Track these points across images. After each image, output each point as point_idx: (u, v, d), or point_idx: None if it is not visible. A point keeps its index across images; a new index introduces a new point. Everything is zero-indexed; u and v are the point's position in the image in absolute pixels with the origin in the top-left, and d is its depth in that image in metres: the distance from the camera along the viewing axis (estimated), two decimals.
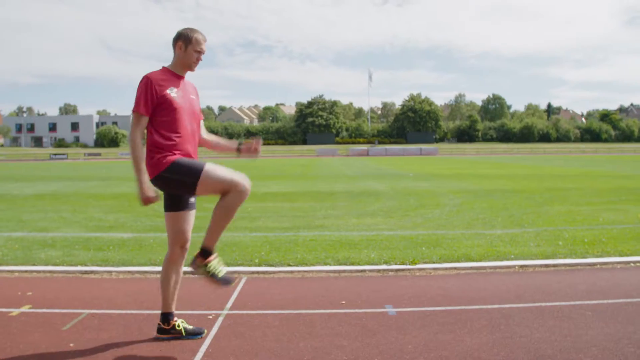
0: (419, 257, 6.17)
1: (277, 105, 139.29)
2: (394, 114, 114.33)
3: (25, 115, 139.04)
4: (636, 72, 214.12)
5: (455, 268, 5.78)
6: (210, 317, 4.27)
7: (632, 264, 5.85)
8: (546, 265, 5.82)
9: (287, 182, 19.66)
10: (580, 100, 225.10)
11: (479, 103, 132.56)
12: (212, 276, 3.58)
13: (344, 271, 5.77)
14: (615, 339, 3.60)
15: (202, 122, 3.83)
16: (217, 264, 3.64)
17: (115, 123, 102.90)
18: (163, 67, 3.61)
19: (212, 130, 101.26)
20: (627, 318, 4.02)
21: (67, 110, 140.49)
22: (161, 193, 3.60)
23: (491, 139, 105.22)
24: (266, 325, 4.06)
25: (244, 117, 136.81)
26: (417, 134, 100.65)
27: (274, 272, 5.79)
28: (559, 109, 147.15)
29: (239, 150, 3.85)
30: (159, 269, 5.88)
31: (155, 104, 3.43)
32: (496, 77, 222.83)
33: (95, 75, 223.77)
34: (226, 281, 3.62)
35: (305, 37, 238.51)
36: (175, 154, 3.44)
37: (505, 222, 8.82)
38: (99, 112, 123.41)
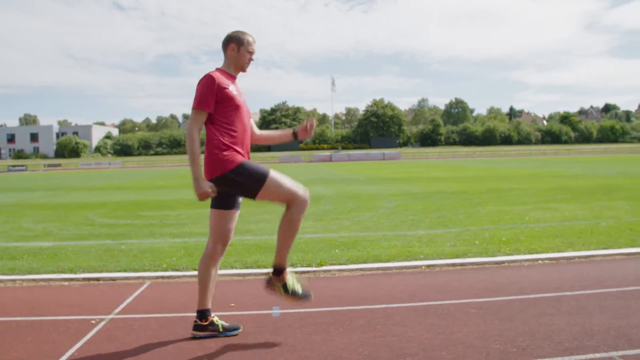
0: (329, 259, 6.13)
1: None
2: (357, 119, 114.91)
3: None
4: (595, 75, 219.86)
5: (360, 269, 5.74)
6: (93, 322, 4.19)
7: (539, 261, 5.90)
8: (453, 265, 5.82)
9: None
10: (543, 103, 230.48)
11: (443, 108, 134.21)
12: (293, 294, 3.66)
13: (248, 274, 5.71)
14: (487, 336, 3.58)
15: (252, 120, 3.90)
16: (293, 280, 3.70)
17: (75, 133, 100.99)
18: (217, 68, 3.68)
19: (176, 139, 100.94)
20: (509, 315, 4.01)
21: (27, 120, 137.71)
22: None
23: (454, 143, 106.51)
24: (145, 328, 4.01)
25: None
26: (381, 138, 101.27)
27: (178, 277, 5.71)
28: (520, 112, 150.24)
29: (295, 134, 4.02)
30: (65, 276, 5.82)
31: (217, 101, 3.49)
32: (460, 81, 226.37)
33: (59, 85, 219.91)
34: (306, 296, 3.70)
35: (270, 44, 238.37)
36: (238, 153, 3.52)
37: (432, 223, 8.85)
38: (59, 123, 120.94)
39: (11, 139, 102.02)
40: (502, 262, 5.89)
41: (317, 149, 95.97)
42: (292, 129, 4.04)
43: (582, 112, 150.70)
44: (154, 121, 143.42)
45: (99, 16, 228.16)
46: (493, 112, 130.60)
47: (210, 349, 3.54)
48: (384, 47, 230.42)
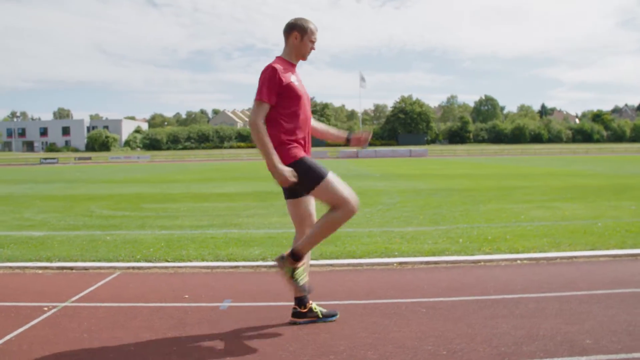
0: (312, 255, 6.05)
1: None
2: (385, 115, 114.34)
3: (19, 119, 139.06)
4: (631, 72, 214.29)
5: (330, 265, 5.65)
6: (46, 308, 4.27)
7: (518, 261, 5.72)
8: (426, 262, 5.67)
9: (246, 183, 19.55)
10: (577, 101, 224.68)
11: (473, 105, 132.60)
12: (294, 280, 3.62)
13: (217, 267, 5.68)
14: (424, 336, 3.46)
15: None
16: (303, 272, 3.66)
17: (106, 127, 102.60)
18: (278, 57, 3.64)
19: (204, 134, 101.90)
20: (458, 316, 3.87)
21: (61, 114, 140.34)
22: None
23: (483, 140, 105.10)
24: (91, 316, 4.07)
25: (237, 120, 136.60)
26: (409, 135, 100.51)
27: (148, 268, 5.73)
28: (552, 110, 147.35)
29: (348, 140, 3.98)
30: (40, 264, 5.88)
31: (279, 92, 3.47)
32: (492, 78, 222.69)
33: (91, 80, 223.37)
34: (304, 289, 3.68)
35: None
36: (300, 146, 3.51)
37: (425, 220, 8.69)
38: (91, 117, 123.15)
39: (44, 132, 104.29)
40: (479, 261, 5.72)
41: (345, 145, 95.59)
42: (347, 132, 3.98)
43: (616, 110, 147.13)
44: (184, 116, 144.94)
45: (133, 12, 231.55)
46: (523, 110, 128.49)
47: (143, 338, 3.53)
48: (415, 43, 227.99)
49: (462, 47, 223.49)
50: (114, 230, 8.22)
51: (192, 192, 15.28)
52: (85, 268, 5.79)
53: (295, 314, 3.79)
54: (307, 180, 3.43)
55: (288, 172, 3.40)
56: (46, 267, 5.83)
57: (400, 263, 5.65)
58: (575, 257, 5.86)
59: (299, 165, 3.43)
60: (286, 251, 3.62)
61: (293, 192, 3.65)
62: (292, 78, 3.53)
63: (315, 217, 3.76)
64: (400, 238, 6.99)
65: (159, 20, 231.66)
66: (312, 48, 3.68)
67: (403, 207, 10.48)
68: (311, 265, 5.47)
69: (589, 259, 5.78)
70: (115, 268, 5.74)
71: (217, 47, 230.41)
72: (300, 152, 3.48)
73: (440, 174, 23.35)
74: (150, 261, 5.96)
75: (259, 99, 3.44)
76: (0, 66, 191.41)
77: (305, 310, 3.77)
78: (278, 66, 3.48)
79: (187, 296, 4.57)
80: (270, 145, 3.42)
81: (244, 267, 5.67)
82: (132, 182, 21.69)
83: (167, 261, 5.94)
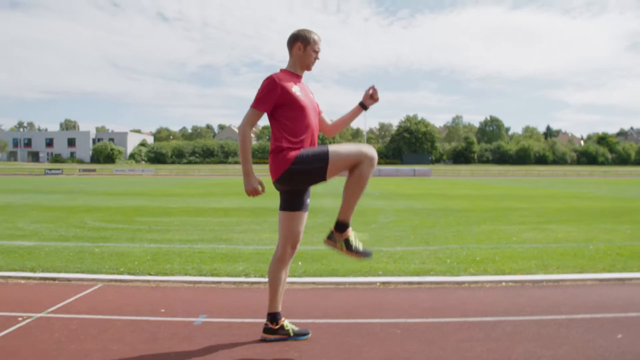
0: (291, 272, 5.97)
1: None
2: (390, 134, 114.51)
3: (26, 130, 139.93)
4: (637, 95, 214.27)
5: (313, 283, 5.60)
6: (20, 319, 4.24)
7: (503, 283, 5.64)
8: (410, 283, 5.62)
9: (245, 199, 19.48)
10: (582, 123, 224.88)
11: (478, 125, 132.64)
12: (353, 249, 3.61)
13: (199, 282, 5.64)
14: (394, 358, 3.41)
15: (323, 114, 3.90)
16: (356, 238, 3.65)
17: (111, 139, 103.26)
18: (282, 69, 3.66)
19: (209, 148, 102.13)
20: (432, 338, 3.82)
21: (68, 126, 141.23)
22: (270, 188, 3.72)
23: (487, 161, 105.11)
24: (63, 328, 4.03)
25: None
26: (413, 155, 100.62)
27: (130, 281, 5.68)
28: (558, 131, 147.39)
29: (362, 105, 3.91)
30: (23, 274, 5.86)
31: (278, 103, 3.48)
32: (498, 99, 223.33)
33: (100, 92, 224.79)
34: (367, 254, 3.66)
35: None
36: (299, 150, 3.48)
37: (415, 240, 8.63)
38: (97, 129, 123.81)
39: (50, 143, 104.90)
40: (463, 282, 5.66)
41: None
42: (358, 102, 3.93)
43: (621, 133, 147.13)
44: (190, 130, 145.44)
45: (143, 26, 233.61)
46: (529, 131, 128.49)
47: (111, 351, 3.49)
48: (422, 63, 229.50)
49: (469, 67, 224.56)
50: (103, 242, 8.20)
51: (188, 207, 15.28)
52: (68, 279, 5.75)
53: (266, 330, 3.75)
54: (317, 163, 3.40)
55: (257, 183, 3.48)
56: (29, 278, 5.80)
57: (384, 283, 5.60)
58: (562, 280, 5.78)
59: (302, 157, 3.42)
60: (331, 228, 3.64)
61: (291, 203, 3.65)
62: (295, 88, 3.52)
63: (301, 237, 3.79)
64: (387, 257, 6.94)
65: (169, 34, 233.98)
66: (316, 58, 3.68)
67: (397, 227, 10.43)
68: (293, 283, 5.47)
69: (576, 282, 5.70)
70: (97, 280, 5.70)
71: (225, 62, 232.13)
72: (296, 152, 3.45)
73: (440, 194, 23.28)
74: (133, 274, 5.93)
75: (254, 105, 3.47)
76: (9, 76, 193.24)
77: (276, 327, 3.73)
78: (278, 76, 3.50)
79: (163, 310, 4.53)
80: (249, 154, 3.48)
81: (226, 282, 5.63)
82: (131, 195, 21.70)
83: (150, 274, 5.91)
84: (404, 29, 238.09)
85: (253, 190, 3.48)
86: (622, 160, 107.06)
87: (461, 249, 7.67)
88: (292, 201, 3.64)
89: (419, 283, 5.60)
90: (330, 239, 3.64)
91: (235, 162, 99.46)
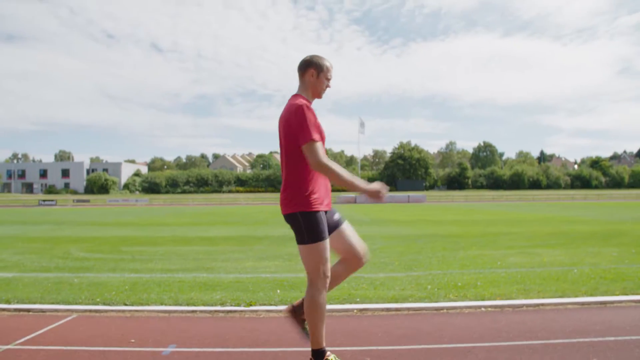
0: (263, 300, 5.94)
1: (270, 153, 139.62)
2: (384, 161, 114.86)
3: (20, 161, 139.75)
4: (630, 120, 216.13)
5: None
6: None
7: (482, 309, 5.58)
8: (387, 309, 5.53)
9: (234, 227, 19.43)
10: (575, 148, 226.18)
11: (472, 151, 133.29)
12: None
13: (174, 311, 5.56)
14: None
15: None
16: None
17: (105, 170, 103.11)
18: (298, 95, 3.54)
19: (203, 178, 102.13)
20: None
21: (62, 157, 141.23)
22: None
23: (481, 186, 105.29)
24: None
25: (237, 164, 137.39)
26: (407, 181, 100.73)
27: (105, 311, 5.61)
28: (552, 156, 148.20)
29: (363, 191, 3.71)
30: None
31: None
32: (491, 125, 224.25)
33: (94, 123, 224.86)
34: None
35: None
36: (319, 199, 3.41)
37: (399, 266, 8.56)
38: (91, 160, 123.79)
39: (43, 174, 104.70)
40: (441, 308, 5.59)
41: (344, 190, 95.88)
42: (366, 186, 3.66)
43: (614, 157, 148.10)
44: (184, 160, 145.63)
45: (137, 57, 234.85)
46: (522, 156, 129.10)
47: None
48: (415, 90, 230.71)
49: (461, 94, 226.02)
50: (83, 273, 8.12)
51: (176, 236, 15.18)
52: (43, 310, 5.67)
53: None
54: (306, 235, 3.38)
55: (379, 185, 3.39)
56: (3, 309, 5.73)
57: (361, 310, 5.52)
58: (542, 304, 5.71)
59: (309, 218, 3.36)
60: (310, 357, 3.55)
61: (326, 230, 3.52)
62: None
63: (355, 250, 3.71)
64: (368, 284, 6.87)
65: (163, 65, 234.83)
66: (328, 86, 3.61)
67: (382, 253, 10.36)
68: (269, 311, 5.40)
69: (556, 307, 5.64)
70: (72, 311, 5.62)
71: (218, 92, 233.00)
72: (317, 206, 3.38)
73: (431, 220, 23.22)
74: (108, 304, 5.85)
75: (311, 139, 3.29)
76: (3, 109, 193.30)
77: None
78: (308, 103, 3.42)
79: (133, 340, 4.46)
80: (346, 174, 3.35)
81: (201, 311, 5.55)
82: (120, 225, 21.57)
83: (125, 304, 5.83)
84: (397, 57, 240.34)
85: (378, 192, 3.38)
86: (616, 183, 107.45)
87: (444, 274, 7.61)
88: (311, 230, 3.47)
89: (396, 310, 5.53)
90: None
91: (230, 191, 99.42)
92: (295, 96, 3.52)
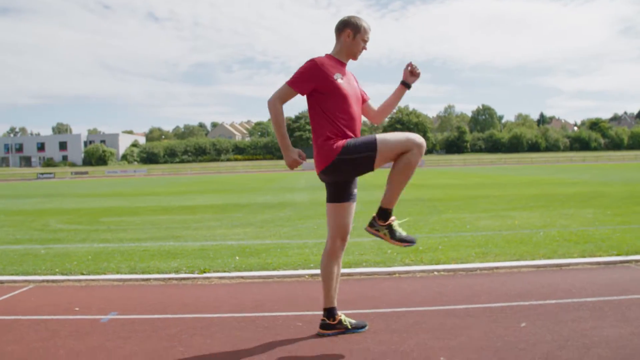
0: (218, 266, 5.98)
1: (269, 120, 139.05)
2: (382, 126, 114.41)
3: (18, 135, 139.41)
4: (630, 80, 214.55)
5: (241, 277, 5.55)
6: None
7: (435, 273, 5.55)
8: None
9: (221, 196, 19.49)
10: (576, 109, 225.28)
11: (471, 114, 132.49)
12: (397, 237, 3.49)
13: (128, 280, 5.60)
14: (271, 349, 3.39)
15: (370, 101, 3.82)
16: (399, 225, 3.53)
17: (103, 141, 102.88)
18: (327, 54, 3.54)
19: (201, 147, 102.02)
20: None
21: (60, 129, 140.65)
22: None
23: (480, 150, 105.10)
24: None
25: (236, 132, 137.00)
26: None
27: (62, 281, 5.67)
28: (551, 118, 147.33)
29: (405, 84, 3.80)
30: None
31: (318, 89, 3.39)
32: (491, 88, 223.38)
33: (92, 95, 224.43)
34: (411, 241, 3.51)
35: (302, 52, 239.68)
36: (344, 139, 3.38)
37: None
38: (89, 131, 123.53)
39: (41, 147, 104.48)
40: (394, 272, 5.61)
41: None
42: (400, 82, 3.80)
43: (615, 118, 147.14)
44: (183, 129, 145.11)
45: (134, 27, 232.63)
46: (521, 119, 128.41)
47: (5, 353, 3.44)
48: (415, 54, 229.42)
49: (461, 57, 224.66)
50: (53, 244, 8.16)
51: (159, 205, 15.24)
52: (1, 281, 5.72)
53: (324, 326, 3.66)
54: (364, 153, 3.30)
55: (296, 154, 3.39)
56: None
57: (312, 275, 5.56)
58: (497, 267, 5.70)
59: (349, 148, 3.32)
60: (373, 214, 3.51)
61: (338, 194, 3.59)
62: (337, 76, 3.42)
63: (350, 228, 3.72)
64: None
65: (160, 35, 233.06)
66: (364, 48, 3.58)
67: (356, 219, 10.36)
68: (222, 278, 5.45)
69: (511, 270, 5.61)
70: (29, 281, 5.66)
71: (217, 60, 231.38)
72: (342, 142, 3.35)
73: (418, 184, 23.19)
74: (66, 274, 5.89)
75: (289, 83, 3.37)
76: (1, 82, 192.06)
77: (334, 322, 3.64)
78: (321, 60, 3.40)
79: (77, 309, 4.49)
80: (283, 127, 3.38)
81: (155, 279, 5.59)
82: (108, 196, 21.65)
83: (83, 274, 5.87)
84: (395, 21, 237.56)
85: (294, 162, 3.39)
86: (615, 145, 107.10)
87: None
88: (339, 192, 3.57)
89: (348, 274, 5.55)
90: (372, 226, 3.52)
91: (228, 160, 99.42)
92: (325, 54, 3.54)
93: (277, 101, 3.37)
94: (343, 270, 5.62)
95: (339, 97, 3.39)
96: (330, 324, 3.64)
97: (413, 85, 3.85)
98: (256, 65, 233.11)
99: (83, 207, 15.92)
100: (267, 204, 14.33)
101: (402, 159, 3.32)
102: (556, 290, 4.68)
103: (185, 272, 5.77)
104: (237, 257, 6.50)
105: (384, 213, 3.47)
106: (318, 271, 5.64)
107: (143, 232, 9.23)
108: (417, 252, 6.57)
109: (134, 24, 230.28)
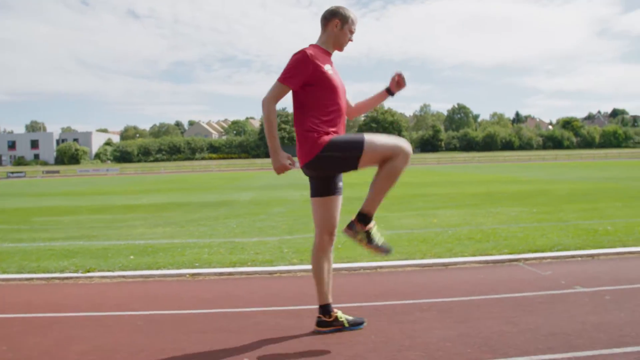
0: (113, 267, 6.02)
1: (247, 118, 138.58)
2: (358, 125, 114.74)
3: None
4: (607, 81, 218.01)
5: (123, 276, 5.60)
6: None
7: (356, 271, 5.58)
8: (220, 274, 5.55)
9: (169, 194, 19.45)
10: (554, 108, 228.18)
11: (447, 113, 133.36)
12: (373, 244, 3.41)
13: (12, 279, 5.60)
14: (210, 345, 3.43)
15: (347, 96, 3.70)
16: (377, 232, 3.45)
17: (76, 140, 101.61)
18: (313, 44, 3.45)
19: (175, 145, 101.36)
20: (176, 328, 3.84)
21: (34, 127, 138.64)
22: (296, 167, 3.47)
23: (454, 148, 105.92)
24: None
25: (212, 131, 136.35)
26: None
27: None
28: (527, 117, 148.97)
29: (389, 91, 3.76)
30: None
31: (308, 81, 3.30)
32: (470, 87, 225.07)
33: (69, 92, 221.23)
34: (386, 250, 3.45)
35: (284, 51, 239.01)
36: (330, 134, 3.31)
37: (284, 230, 8.67)
38: (63, 129, 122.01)
39: (12, 145, 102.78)
40: (275, 272, 5.58)
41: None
42: (384, 87, 3.75)
43: (589, 117, 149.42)
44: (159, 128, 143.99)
45: (113, 24, 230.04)
46: (496, 118, 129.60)
47: None
48: (394, 53, 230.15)
49: (441, 57, 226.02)
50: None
51: (100, 205, 15.19)
52: None
53: (320, 323, 3.61)
54: (349, 152, 3.26)
55: (285, 158, 3.27)
56: None
57: (193, 274, 5.58)
58: (380, 267, 5.72)
59: (335, 144, 3.27)
60: (352, 218, 3.42)
61: (322, 188, 3.52)
62: (327, 67, 3.35)
63: (337, 222, 3.63)
64: (224, 249, 6.92)
65: (140, 32, 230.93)
66: (350, 39, 3.51)
67: (283, 217, 10.47)
68: (104, 277, 5.47)
69: (395, 269, 5.65)
70: None
71: (197, 59, 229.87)
72: (328, 137, 3.29)
73: (363, 182, 23.23)
74: None
75: (280, 80, 3.28)
76: None
77: (330, 319, 3.59)
78: (311, 52, 3.31)
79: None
80: (275, 129, 3.28)
81: (38, 279, 5.59)
82: (58, 195, 21.46)
83: (4, 273, 5.86)
84: (376, 20, 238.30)
85: (282, 167, 3.28)
86: (587, 143, 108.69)
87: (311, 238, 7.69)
88: (324, 186, 3.52)
89: (229, 274, 5.60)
90: (351, 228, 3.42)
91: (203, 158, 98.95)
92: (310, 45, 3.46)
93: (272, 101, 3.28)
94: (224, 270, 5.72)
95: (328, 89, 3.35)
96: (326, 321, 3.60)
97: (396, 94, 3.83)
98: (237, 64, 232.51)
99: (22, 206, 15.80)
100: (205, 203, 14.35)
101: (388, 165, 3.28)
102: (420, 291, 4.71)
103: (70, 272, 5.79)
104: (132, 257, 6.53)
105: (364, 217, 3.41)
106: (201, 270, 5.72)
107: (62, 232, 9.20)
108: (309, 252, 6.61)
109: (113, 21, 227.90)
